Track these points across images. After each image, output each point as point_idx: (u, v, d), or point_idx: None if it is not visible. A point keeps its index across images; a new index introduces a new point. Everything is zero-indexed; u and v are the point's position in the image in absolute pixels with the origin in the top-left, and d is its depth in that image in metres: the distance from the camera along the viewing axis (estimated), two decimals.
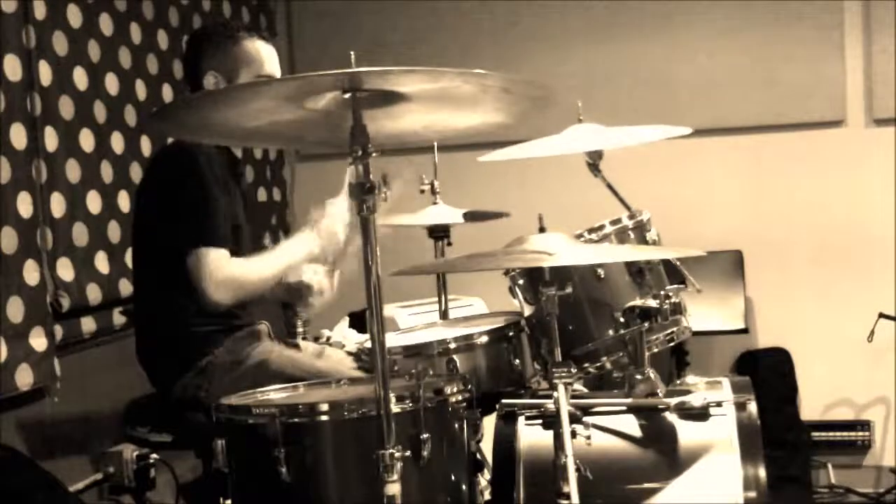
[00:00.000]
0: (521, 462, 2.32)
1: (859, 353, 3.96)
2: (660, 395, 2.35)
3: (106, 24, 3.48)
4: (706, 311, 3.69)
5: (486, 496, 2.35)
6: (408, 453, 1.88)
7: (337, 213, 2.69)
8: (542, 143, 2.76)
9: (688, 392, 2.38)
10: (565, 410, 2.11)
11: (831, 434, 4.23)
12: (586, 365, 2.49)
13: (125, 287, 3.37)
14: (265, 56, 2.76)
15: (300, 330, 3.02)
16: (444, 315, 3.14)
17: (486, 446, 2.32)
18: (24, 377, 2.95)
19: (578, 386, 2.59)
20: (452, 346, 2.50)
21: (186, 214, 2.60)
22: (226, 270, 2.58)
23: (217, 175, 2.63)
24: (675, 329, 2.50)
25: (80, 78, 3.33)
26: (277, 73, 2.79)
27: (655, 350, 2.48)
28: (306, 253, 2.70)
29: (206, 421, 2.22)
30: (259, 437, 2.00)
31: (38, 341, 3.00)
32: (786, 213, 4.30)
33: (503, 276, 2.61)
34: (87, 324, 3.33)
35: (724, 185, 4.35)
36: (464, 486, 2.13)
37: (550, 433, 2.15)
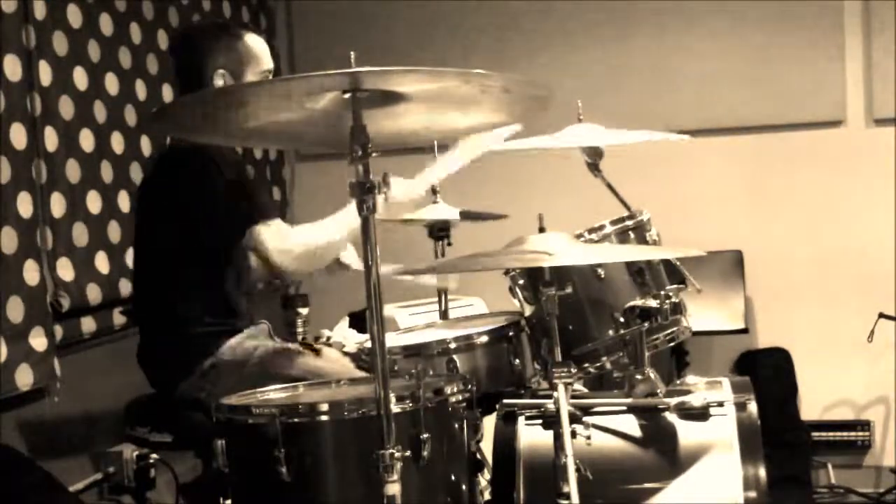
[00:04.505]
0: (521, 462, 2.32)
1: (859, 353, 3.96)
2: (660, 395, 2.35)
3: (106, 24, 3.49)
4: (706, 311, 3.68)
5: (486, 496, 2.35)
6: (408, 453, 1.88)
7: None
8: (541, 140, 2.75)
9: (688, 392, 2.38)
10: (565, 410, 2.11)
11: (831, 434, 4.22)
12: (586, 365, 2.49)
13: (125, 287, 3.37)
14: (263, 52, 2.76)
15: (300, 330, 3.02)
16: (444, 315, 3.14)
17: (486, 446, 2.31)
18: (24, 377, 2.95)
19: (578, 386, 2.59)
20: (452, 346, 2.50)
21: (223, 207, 2.57)
22: (287, 238, 2.56)
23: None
24: (675, 329, 2.50)
25: (80, 78, 3.33)
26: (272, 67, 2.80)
27: (655, 350, 2.48)
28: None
29: (206, 421, 2.22)
30: (259, 437, 1.99)
31: (38, 341, 3.00)
32: (786, 213, 4.29)
33: (503, 276, 2.60)
34: (87, 324, 3.34)
35: (723, 185, 4.35)
36: (464, 486, 2.13)
37: (550, 433, 2.15)
